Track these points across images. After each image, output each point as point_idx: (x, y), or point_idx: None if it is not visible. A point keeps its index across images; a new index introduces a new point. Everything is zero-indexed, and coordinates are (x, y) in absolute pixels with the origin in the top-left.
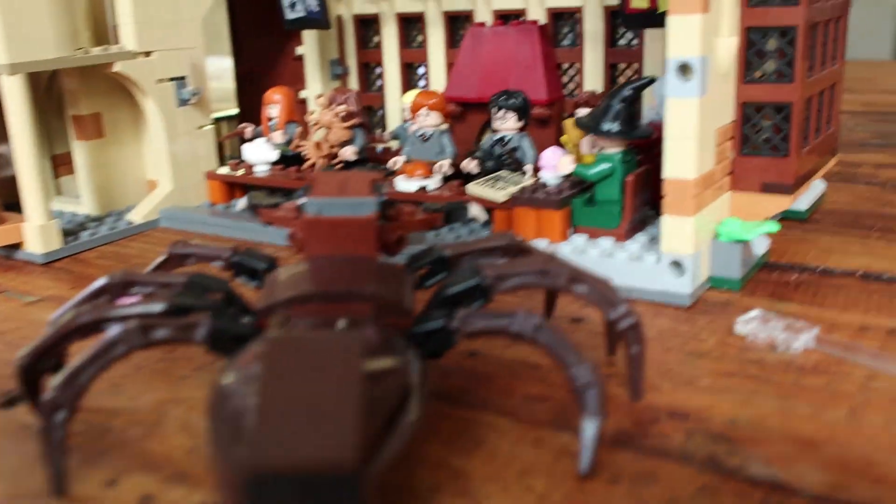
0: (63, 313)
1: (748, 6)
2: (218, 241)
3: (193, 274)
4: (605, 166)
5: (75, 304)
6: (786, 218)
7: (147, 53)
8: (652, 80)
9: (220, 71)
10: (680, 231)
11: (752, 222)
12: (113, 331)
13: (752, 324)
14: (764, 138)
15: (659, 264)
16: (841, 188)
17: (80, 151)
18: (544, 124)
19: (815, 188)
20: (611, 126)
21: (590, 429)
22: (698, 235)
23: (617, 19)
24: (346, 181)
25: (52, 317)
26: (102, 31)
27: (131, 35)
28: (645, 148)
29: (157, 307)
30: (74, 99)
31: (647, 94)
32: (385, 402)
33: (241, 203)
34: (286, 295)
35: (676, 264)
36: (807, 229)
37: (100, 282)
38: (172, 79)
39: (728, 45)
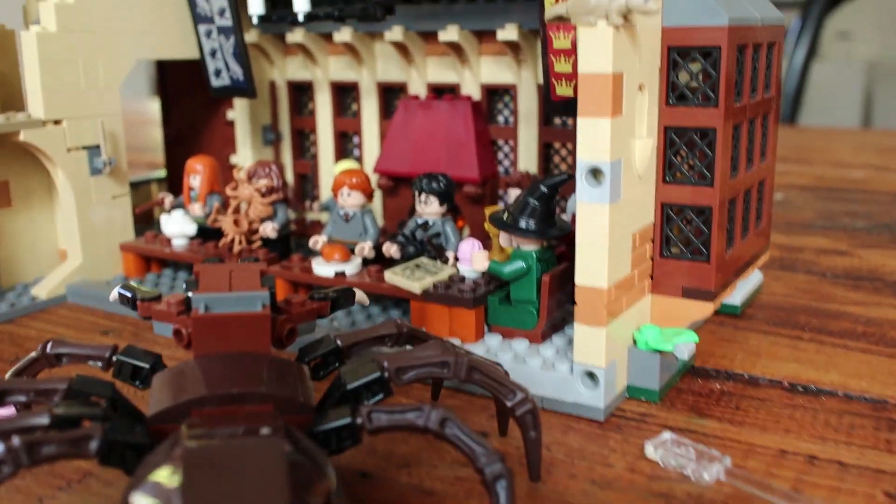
0: None
1: (666, 106)
2: (126, 320)
3: (75, 377)
4: (519, 265)
5: None
6: (720, 313)
7: (56, 121)
8: (570, 177)
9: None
10: (592, 341)
11: (672, 329)
12: None
13: (662, 448)
14: (684, 241)
15: (572, 374)
16: (780, 277)
17: None
18: (477, 203)
19: (752, 280)
20: (527, 224)
21: None
22: (613, 344)
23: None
24: (233, 274)
25: None
26: (15, 96)
27: (39, 103)
28: (569, 241)
29: (41, 420)
30: None
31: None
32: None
33: (113, 294)
34: (181, 399)
35: (590, 375)
36: (738, 326)
37: None
38: (85, 147)
39: (645, 147)
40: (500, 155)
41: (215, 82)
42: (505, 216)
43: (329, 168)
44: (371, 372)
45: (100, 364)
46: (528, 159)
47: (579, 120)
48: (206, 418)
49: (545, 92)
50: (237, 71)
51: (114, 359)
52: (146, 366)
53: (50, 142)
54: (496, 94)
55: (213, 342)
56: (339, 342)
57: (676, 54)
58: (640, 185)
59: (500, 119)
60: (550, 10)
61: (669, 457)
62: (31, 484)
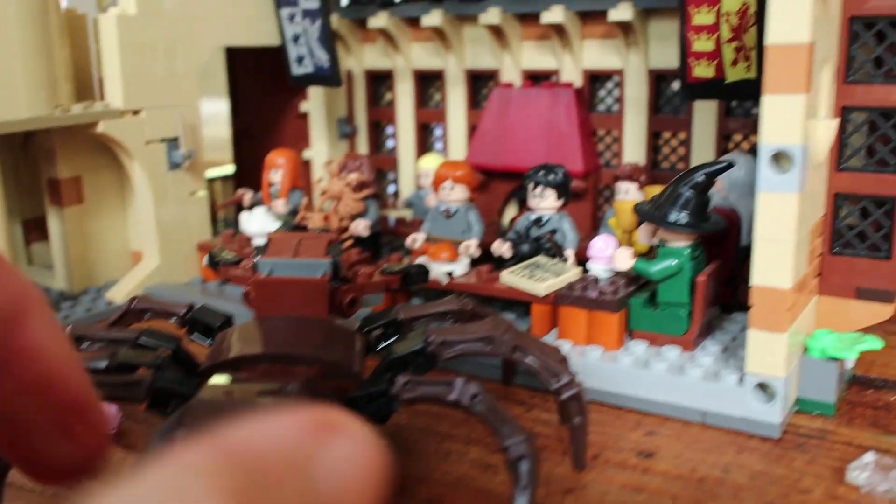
0: None
1: (844, 83)
2: None
3: (144, 330)
4: (670, 263)
5: None
6: None
7: (135, 111)
8: (729, 166)
9: (215, 117)
10: (770, 349)
11: (849, 335)
12: None
13: (867, 472)
14: (858, 236)
15: (741, 386)
16: None
17: (55, 218)
18: (578, 198)
19: None
20: (678, 217)
21: (520, 502)
22: (789, 353)
23: (662, 84)
24: (302, 242)
25: None
26: (86, 84)
27: (118, 91)
28: (714, 235)
29: (100, 363)
30: (51, 160)
31: None
32: None
33: (204, 260)
34: (231, 355)
35: (763, 387)
36: (889, 330)
37: None
38: (163, 140)
39: (828, 129)
40: (601, 146)
41: (297, 70)
42: (648, 208)
43: (409, 162)
44: (416, 344)
45: (176, 320)
46: (634, 150)
47: (765, 97)
48: (249, 374)
49: (681, 74)
50: (322, 58)
51: (188, 317)
52: (217, 324)
53: (128, 133)
54: (598, 81)
55: (273, 305)
56: (399, 315)
57: (860, 25)
58: (816, 173)
59: (602, 107)
60: None
61: (877, 481)
62: None
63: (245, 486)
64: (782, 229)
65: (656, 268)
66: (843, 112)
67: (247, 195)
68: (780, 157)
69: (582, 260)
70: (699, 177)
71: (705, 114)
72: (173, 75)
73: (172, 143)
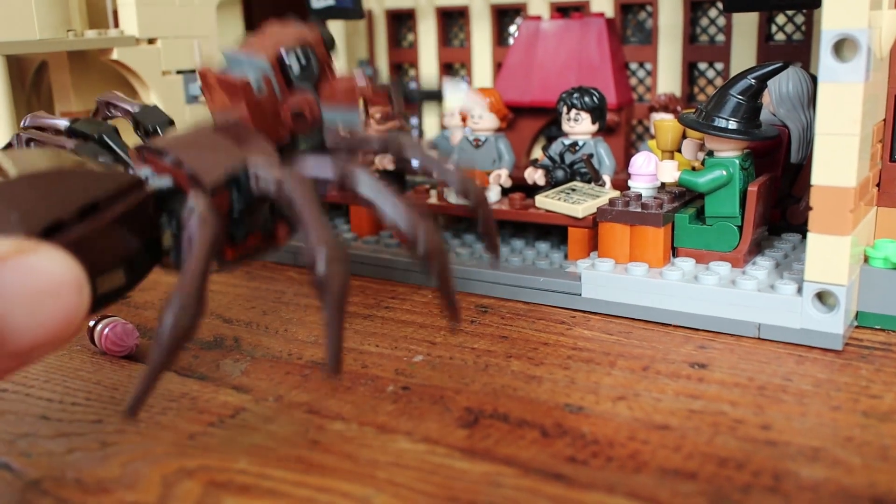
0: None
1: None
2: None
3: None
4: (719, 173)
5: None
6: None
7: (151, 41)
8: (784, 66)
9: None
10: (833, 254)
11: None
12: None
13: None
14: None
15: (800, 296)
16: None
17: None
18: (611, 132)
19: None
20: (727, 123)
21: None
22: (851, 262)
23: (698, 11)
24: (283, 31)
25: None
26: (100, 18)
27: (133, 18)
28: (761, 152)
29: (61, 123)
30: (64, 94)
31: None
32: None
33: None
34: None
35: (823, 296)
36: None
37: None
38: (180, 71)
39: (892, 19)
40: (633, 80)
41: (317, 3)
42: (694, 116)
43: (433, 104)
44: None
45: (129, 117)
46: (669, 82)
47: None
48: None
49: None
50: None
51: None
52: (157, 122)
53: (144, 63)
54: (630, 11)
55: (217, 102)
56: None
57: None
58: (878, 70)
59: (635, 39)
60: None
61: None
62: (179, 421)
63: None
64: (846, 123)
65: (704, 178)
66: None
67: None
68: (842, 46)
69: (620, 189)
70: (749, 80)
71: (744, 41)
72: (189, 5)
73: (189, 75)
